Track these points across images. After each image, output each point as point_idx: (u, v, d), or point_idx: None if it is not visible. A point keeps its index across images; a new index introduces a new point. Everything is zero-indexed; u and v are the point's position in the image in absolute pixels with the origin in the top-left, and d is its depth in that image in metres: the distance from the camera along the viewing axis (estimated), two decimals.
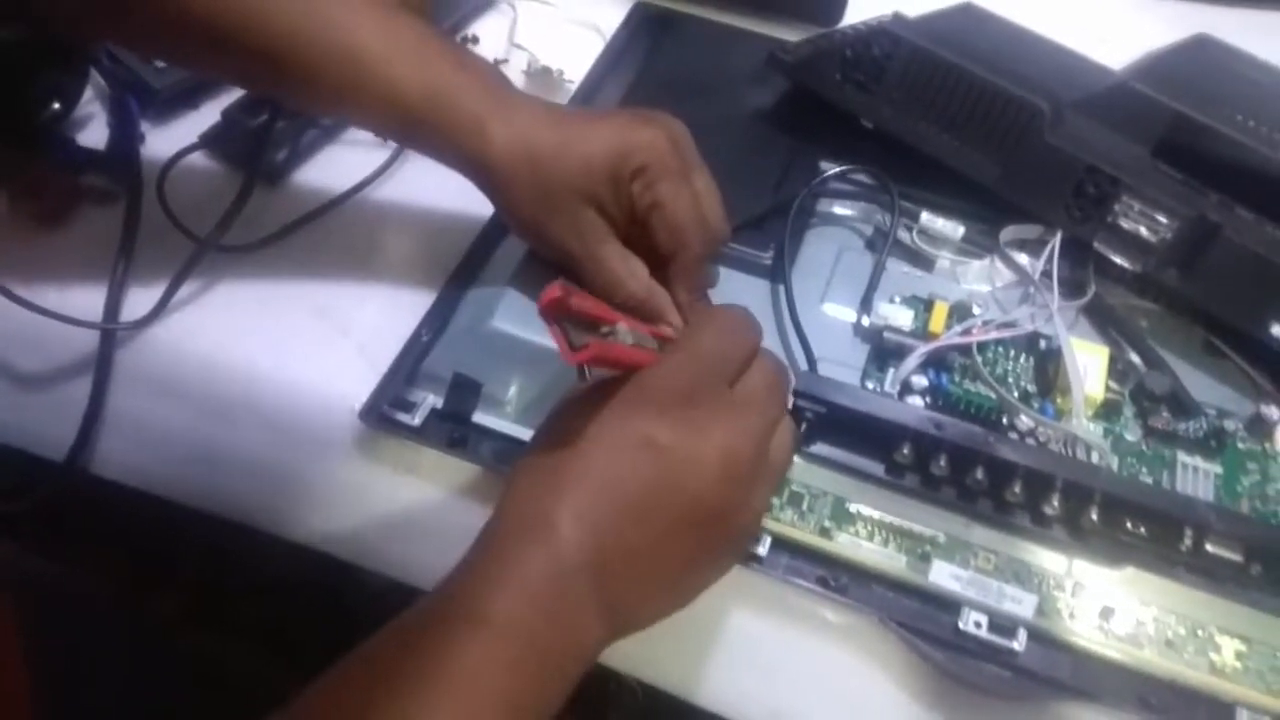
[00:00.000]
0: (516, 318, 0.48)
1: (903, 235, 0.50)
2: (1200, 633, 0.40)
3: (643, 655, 0.43)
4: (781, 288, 0.48)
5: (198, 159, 0.56)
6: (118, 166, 0.55)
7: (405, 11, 0.44)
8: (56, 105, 0.56)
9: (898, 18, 0.54)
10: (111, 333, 0.49)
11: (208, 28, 0.41)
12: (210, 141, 0.56)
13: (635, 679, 0.43)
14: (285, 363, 0.49)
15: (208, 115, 0.57)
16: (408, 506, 0.46)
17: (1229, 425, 0.44)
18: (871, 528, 0.42)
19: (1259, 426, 0.44)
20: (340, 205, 0.55)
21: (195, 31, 0.41)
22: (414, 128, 0.44)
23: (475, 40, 0.64)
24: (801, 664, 0.42)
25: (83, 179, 0.54)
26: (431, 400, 0.46)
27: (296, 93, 0.44)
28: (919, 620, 0.41)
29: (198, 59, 0.46)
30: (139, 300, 0.50)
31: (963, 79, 0.48)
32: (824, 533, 0.42)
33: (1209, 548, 0.40)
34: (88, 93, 0.57)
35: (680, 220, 0.43)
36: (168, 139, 0.56)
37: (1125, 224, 0.46)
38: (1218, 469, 0.43)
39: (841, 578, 0.42)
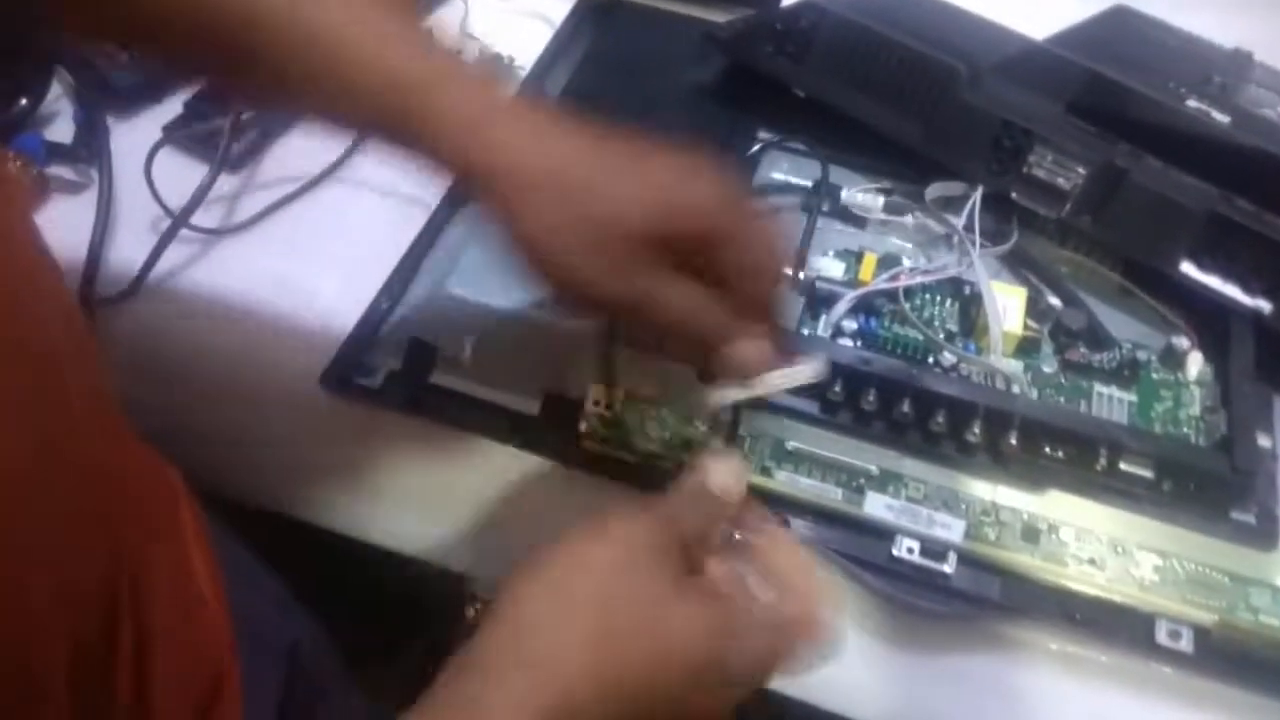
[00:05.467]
0: (470, 282, 0.50)
1: (835, 197, 0.53)
2: (1119, 549, 0.43)
3: None
4: None
5: (163, 148, 0.58)
6: (83, 159, 0.57)
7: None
8: (23, 101, 0.58)
9: None
10: (86, 311, 0.51)
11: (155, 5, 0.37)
12: (174, 132, 0.58)
13: None
14: (249, 333, 0.51)
15: (170, 108, 0.59)
16: (369, 467, 0.48)
17: (1142, 356, 0.47)
18: (809, 464, 0.45)
19: (1171, 357, 0.47)
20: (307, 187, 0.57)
21: (148, 11, 0.37)
22: (390, 124, 0.37)
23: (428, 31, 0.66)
24: None
25: (50, 171, 0.56)
26: (390, 364, 0.48)
27: (262, 80, 0.39)
28: (856, 549, 0.44)
29: (156, 42, 0.41)
30: (109, 282, 0.52)
31: (884, 45, 0.51)
32: (765, 472, 0.45)
33: (1123, 466, 0.43)
34: (54, 88, 0.59)
35: (763, 263, 0.37)
36: (132, 131, 0.59)
37: (1040, 174, 0.48)
38: (1132, 397, 0.46)
39: (782, 512, 0.45)
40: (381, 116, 0.37)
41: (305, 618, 0.43)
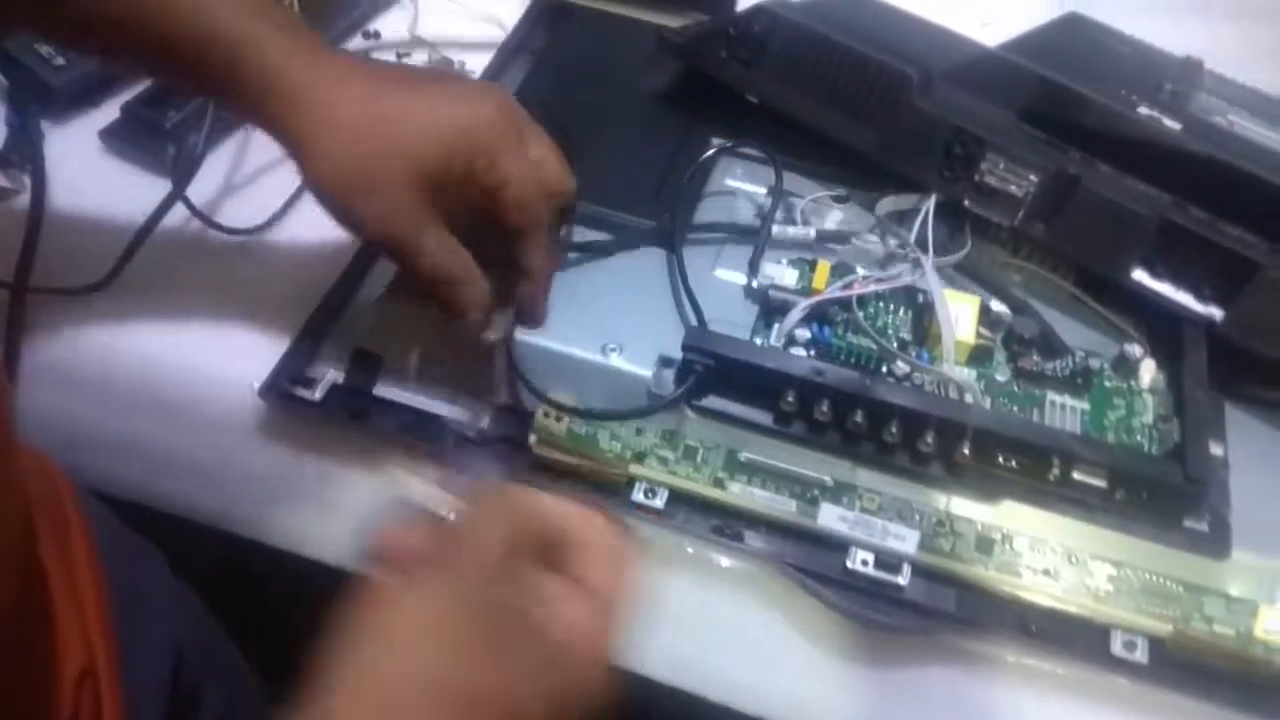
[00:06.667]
0: (414, 289, 0.49)
1: (789, 204, 0.52)
2: (1073, 560, 0.42)
3: None
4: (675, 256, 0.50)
5: (100, 154, 0.57)
6: (16, 164, 0.55)
7: None
8: None
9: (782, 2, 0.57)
10: (17, 332, 0.49)
11: None
12: (110, 137, 0.56)
13: None
14: (186, 345, 0.49)
15: (108, 112, 0.58)
16: (312, 482, 0.46)
17: (1095, 364, 0.47)
18: (762, 476, 0.44)
19: (1124, 365, 0.47)
20: (244, 190, 0.56)
21: None
22: (211, 76, 0.39)
23: (377, 35, 0.65)
24: (700, 612, 0.43)
25: None
26: (333, 375, 0.47)
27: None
28: (810, 562, 0.43)
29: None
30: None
31: (836, 51, 0.51)
32: (717, 483, 0.44)
33: (1076, 476, 0.42)
34: None
35: (528, 195, 0.41)
36: (68, 136, 0.57)
37: (992, 181, 0.48)
38: (1085, 406, 0.46)
39: (735, 525, 0.44)
40: (198, 75, 0.39)
41: (200, 624, 0.43)
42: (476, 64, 0.62)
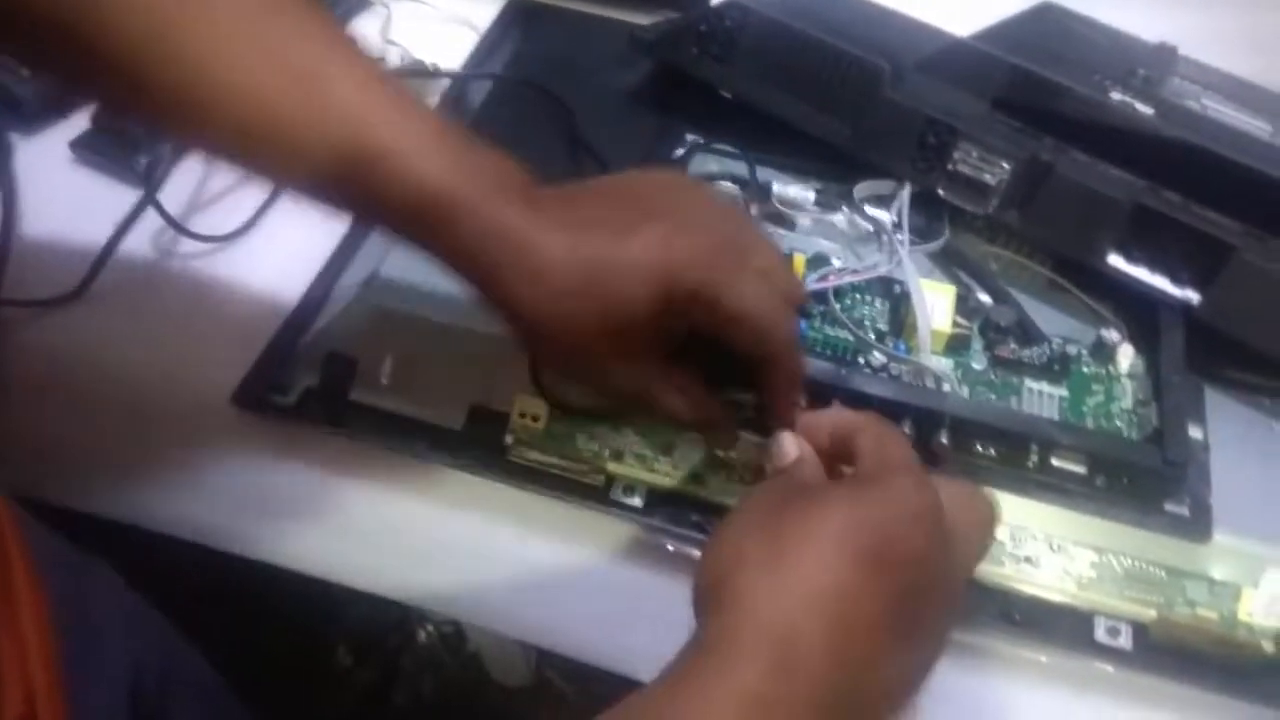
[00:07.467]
0: (389, 292, 0.49)
1: (764, 197, 0.52)
2: (1055, 547, 0.42)
3: (532, 621, 0.43)
4: None
5: (70, 165, 0.56)
6: None
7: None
8: None
9: None
10: None
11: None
12: (80, 147, 0.56)
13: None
14: (160, 354, 0.49)
15: (78, 123, 0.57)
16: (287, 489, 0.46)
17: (1072, 350, 0.46)
18: (741, 470, 0.44)
19: (1101, 350, 0.46)
20: (216, 197, 0.55)
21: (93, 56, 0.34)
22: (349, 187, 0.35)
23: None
24: (681, 611, 0.43)
25: None
26: (307, 380, 0.47)
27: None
28: None
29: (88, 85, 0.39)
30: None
31: (808, 44, 0.50)
32: (696, 479, 0.44)
33: (1055, 462, 0.42)
34: None
35: (760, 327, 0.36)
36: (37, 148, 0.57)
37: (965, 170, 0.48)
38: (1063, 392, 0.45)
39: (715, 521, 0.43)
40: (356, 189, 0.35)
41: (163, 644, 0.42)
42: (449, 66, 0.62)
